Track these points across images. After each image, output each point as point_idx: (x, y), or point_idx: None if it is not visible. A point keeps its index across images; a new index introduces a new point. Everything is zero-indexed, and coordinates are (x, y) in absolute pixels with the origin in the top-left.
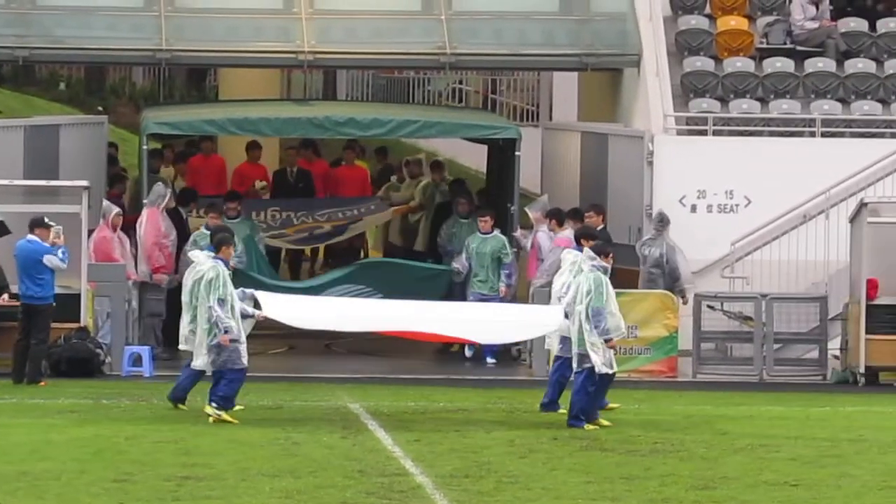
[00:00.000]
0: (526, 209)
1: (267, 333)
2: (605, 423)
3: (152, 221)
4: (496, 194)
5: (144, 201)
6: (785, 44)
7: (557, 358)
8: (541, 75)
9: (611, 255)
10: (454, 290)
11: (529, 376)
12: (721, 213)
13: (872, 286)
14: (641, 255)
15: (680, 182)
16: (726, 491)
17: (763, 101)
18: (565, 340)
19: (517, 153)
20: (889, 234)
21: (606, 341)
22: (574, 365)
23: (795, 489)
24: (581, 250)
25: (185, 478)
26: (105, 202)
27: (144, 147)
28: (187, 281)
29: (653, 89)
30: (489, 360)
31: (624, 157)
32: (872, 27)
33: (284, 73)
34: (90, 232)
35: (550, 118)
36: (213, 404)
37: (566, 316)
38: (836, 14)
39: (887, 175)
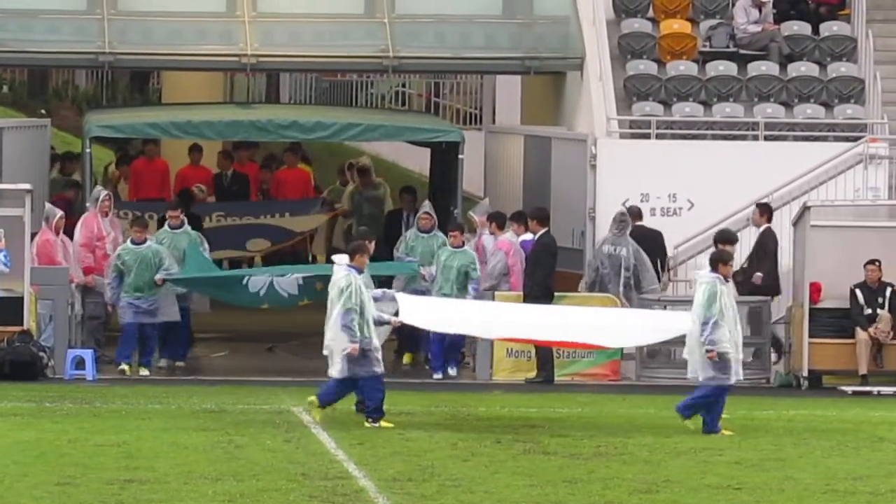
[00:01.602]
0: (470, 213)
1: (209, 336)
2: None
3: (86, 223)
4: (439, 198)
5: (87, 204)
6: (728, 47)
7: None
8: (484, 78)
9: (729, 263)
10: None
11: (472, 380)
12: (664, 216)
13: (815, 290)
14: (603, 255)
15: (623, 185)
16: (669, 494)
17: (706, 105)
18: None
19: (460, 156)
20: (832, 238)
21: (708, 351)
22: (689, 371)
23: (738, 492)
24: None
25: (127, 481)
26: (48, 205)
27: (87, 150)
28: (329, 290)
29: (596, 92)
30: (451, 370)
31: (567, 161)
32: (815, 31)
33: (227, 77)
34: (33, 235)
35: (493, 121)
36: (370, 419)
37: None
38: (779, 17)
39: (830, 178)
